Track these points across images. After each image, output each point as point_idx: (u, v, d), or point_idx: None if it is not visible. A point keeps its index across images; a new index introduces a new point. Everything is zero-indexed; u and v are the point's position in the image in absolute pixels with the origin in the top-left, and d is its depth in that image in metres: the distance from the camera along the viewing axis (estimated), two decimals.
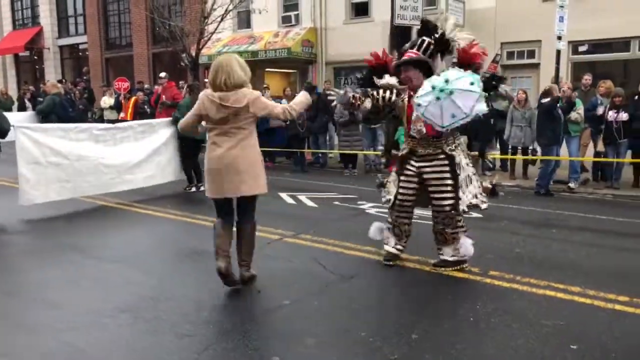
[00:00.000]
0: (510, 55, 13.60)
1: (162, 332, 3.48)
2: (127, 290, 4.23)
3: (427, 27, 4.66)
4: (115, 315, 3.72)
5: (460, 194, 4.52)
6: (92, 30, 23.11)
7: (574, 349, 3.20)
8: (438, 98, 4.10)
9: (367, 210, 7.36)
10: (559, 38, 10.33)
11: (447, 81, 4.08)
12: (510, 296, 4.13)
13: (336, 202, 7.95)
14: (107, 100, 15.28)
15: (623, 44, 12.19)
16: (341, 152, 11.48)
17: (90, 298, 4.07)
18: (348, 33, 15.80)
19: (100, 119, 15.04)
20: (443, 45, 4.53)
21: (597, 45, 12.53)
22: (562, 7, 10.14)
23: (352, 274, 4.63)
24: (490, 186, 4.75)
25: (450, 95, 4.06)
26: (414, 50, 4.62)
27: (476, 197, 4.58)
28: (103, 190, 7.63)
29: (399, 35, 11.37)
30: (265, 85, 13.35)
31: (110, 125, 8.35)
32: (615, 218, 6.99)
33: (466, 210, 4.58)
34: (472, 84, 4.07)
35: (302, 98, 4.34)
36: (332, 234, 5.87)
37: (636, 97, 8.93)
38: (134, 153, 7.99)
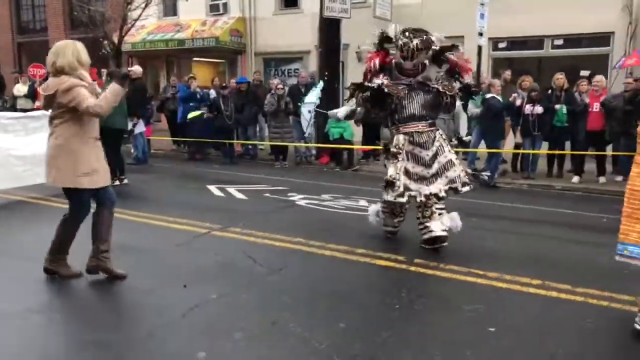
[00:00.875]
0: None
1: (78, 334, 3.31)
2: (40, 290, 3.99)
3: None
4: (26, 317, 3.50)
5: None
6: (2, 13, 21.52)
7: (491, 331, 3.37)
8: None
9: (297, 202, 7.37)
10: (480, 34, 10.77)
11: None
12: (434, 283, 4.28)
13: (266, 194, 7.90)
14: (20, 88, 14.34)
15: (538, 41, 12.91)
16: (271, 143, 11.42)
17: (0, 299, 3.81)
18: (278, 24, 15.70)
19: (13, 108, 14.06)
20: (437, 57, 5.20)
21: (515, 43, 13.19)
22: (482, 4, 10.57)
23: (282, 266, 4.62)
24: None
25: None
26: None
27: (454, 181, 5.15)
28: (15, 184, 7.14)
29: (328, 27, 11.40)
30: (191, 75, 12.98)
31: (21, 113, 7.83)
32: (531, 206, 7.42)
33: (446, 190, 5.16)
34: None
35: (109, 92, 3.90)
36: (262, 227, 5.82)
37: (549, 91, 9.50)
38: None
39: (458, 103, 6.87)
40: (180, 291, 3.96)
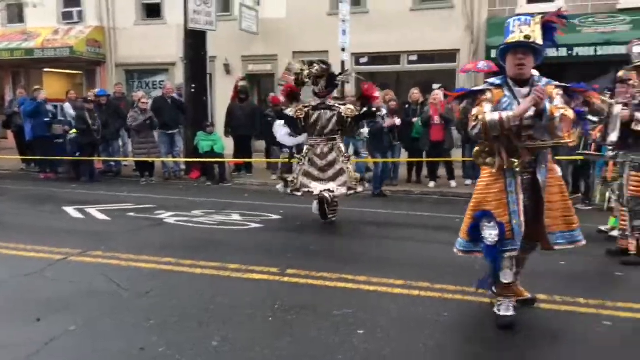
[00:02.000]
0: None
1: None
2: None
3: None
4: None
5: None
6: None
7: (360, 333, 3.50)
8: None
9: (165, 220, 7.09)
10: (343, 50, 11.27)
11: None
12: (306, 292, 4.35)
13: (131, 214, 7.49)
14: None
15: (395, 57, 13.84)
16: (137, 159, 10.87)
17: None
18: (140, 34, 15.06)
19: None
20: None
21: (376, 58, 14.00)
22: (344, 21, 11.08)
23: (149, 288, 4.39)
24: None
25: None
26: None
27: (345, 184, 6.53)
28: None
29: (193, 39, 11.18)
30: (36, 87, 11.88)
31: None
32: (393, 211, 7.88)
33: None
34: None
35: None
36: (126, 248, 5.50)
37: (407, 105, 10.22)
38: None
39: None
40: (32, 326, 3.59)
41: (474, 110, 3.51)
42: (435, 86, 12.02)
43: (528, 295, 3.91)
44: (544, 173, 3.54)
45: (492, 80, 3.62)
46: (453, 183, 9.90)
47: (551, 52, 11.50)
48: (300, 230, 6.65)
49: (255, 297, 4.22)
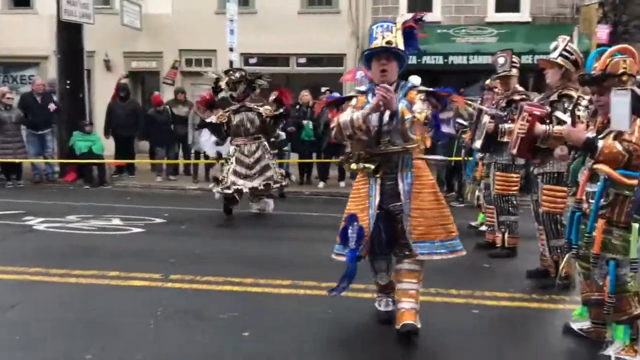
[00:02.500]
0: (189, 62, 14.00)
1: None
2: None
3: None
4: None
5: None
6: None
7: (245, 335, 3.47)
8: None
9: (35, 227, 6.53)
10: (231, 49, 11.12)
11: None
12: (190, 297, 4.22)
13: None
14: None
15: (285, 59, 13.94)
16: (2, 161, 9.86)
17: None
18: (6, 24, 13.69)
19: None
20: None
21: (266, 59, 13.99)
22: (232, 20, 10.95)
23: (15, 302, 4.02)
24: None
25: None
26: None
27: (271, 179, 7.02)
28: None
29: (68, 32, 10.39)
30: None
31: None
32: (284, 212, 7.89)
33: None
34: None
35: None
36: None
37: (297, 106, 10.33)
38: None
39: None
40: None
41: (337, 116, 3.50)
42: (323, 89, 12.27)
43: None
44: (409, 179, 3.41)
45: (361, 87, 3.64)
46: (342, 183, 10.18)
47: (429, 60, 12.32)
48: (185, 233, 6.46)
49: (135, 304, 4.02)
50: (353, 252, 3.46)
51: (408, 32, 3.44)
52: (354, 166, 3.44)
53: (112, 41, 13.31)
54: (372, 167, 3.35)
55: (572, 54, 4.28)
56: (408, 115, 3.18)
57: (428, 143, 3.52)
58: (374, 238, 3.43)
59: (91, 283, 4.50)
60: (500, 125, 5.30)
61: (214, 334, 3.50)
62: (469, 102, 3.54)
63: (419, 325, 3.37)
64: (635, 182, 2.91)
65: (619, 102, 3.00)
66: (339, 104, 3.62)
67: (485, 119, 5.37)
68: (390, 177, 3.40)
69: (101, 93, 12.73)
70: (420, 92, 3.36)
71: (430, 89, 3.42)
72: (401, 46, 3.37)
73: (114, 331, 3.54)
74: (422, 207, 3.40)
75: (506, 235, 5.49)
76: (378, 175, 3.36)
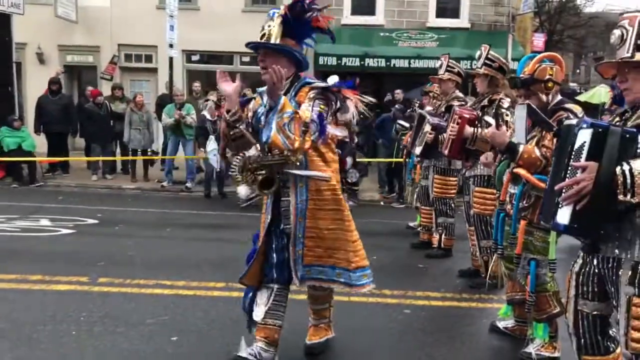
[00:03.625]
0: (128, 57, 13.56)
1: None
2: None
3: None
4: None
5: None
6: None
7: (174, 340, 3.38)
8: None
9: None
10: (171, 46, 10.84)
11: None
12: (118, 301, 4.07)
13: None
14: None
15: (229, 57, 13.73)
16: None
17: None
18: None
19: None
20: None
21: (210, 56, 13.73)
22: (172, 16, 10.66)
23: None
24: None
25: None
26: None
27: None
28: None
29: None
30: None
31: None
32: (223, 212, 7.78)
33: None
34: None
35: None
36: None
37: None
38: None
39: None
40: None
41: None
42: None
43: (319, 339, 3.29)
44: (303, 195, 2.88)
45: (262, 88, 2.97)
46: None
47: (372, 63, 12.47)
48: (117, 235, 6.22)
49: (58, 310, 3.83)
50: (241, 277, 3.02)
51: (298, 20, 2.82)
52: (238, 177, 2.93)
53: (46, 33, 12.70)
54: (250, 178, 2.88)
55: (494, 62, 4.44)
56: (288, 110, 2.60)
57: (302, 146, 2.70)
58: (264, 262, 2.97)
59: (11, 287, 4.26)
60: (440, 136, 5.33)
61: (140, 340, 3.38)
62: (362, 98, 3.11)
63: (330, 336, 3.28)
64: None
65: (518, 116, 3.15)
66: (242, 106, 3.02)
67: (427, 128, 5.38)
68: (285, 193, 2.89)
69: (34, 87, 12.12)
70: (312, 88, 2.80)
71: (322, 84, 2.85)
72: (275, 39, 2.77)
73: (34, 339, 3.36)
74: (320, 227, 2.89)
75: (443, 236, 5.61)
76: (267, 191, 2.87)
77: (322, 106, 2.77)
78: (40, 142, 10.10)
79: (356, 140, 7.71)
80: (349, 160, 7.48)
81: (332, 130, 2.89)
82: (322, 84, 2.87)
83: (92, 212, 7.17)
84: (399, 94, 9.78)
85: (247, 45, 2.92)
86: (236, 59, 13.69)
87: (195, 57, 13.55)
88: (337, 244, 2.94)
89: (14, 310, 3.82)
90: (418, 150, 5.61)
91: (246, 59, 13.69)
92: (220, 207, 8.14)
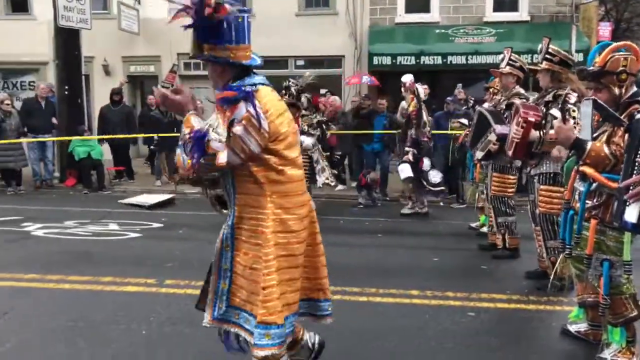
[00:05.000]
0: (187, 66, 14.00)
1: None
2: None
3: None
4: None
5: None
6: None
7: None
8: None
9: (33, 233, 6.51)
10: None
11: None
12: (184, 302, 4.18)
13: None
14: None
15: (284, 61, 13.88)
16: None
17: None
18: (5, 30, 13.71)
19: None
20: None
21: (265, 62, 13.32)
22: None
23: (7, 309, 4.00)
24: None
25: None
26: None
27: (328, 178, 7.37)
28: None
29: (66, 38, 10.40)
30: None
31: None
32: None
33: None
34: None
35: None
36: None
37: None
38: None
39: None
40: None
41: None
42: (323, 91, 12.25)
43: None
44: (230, 220, 2.49)
45: None
46: (340, 186, 10.15)
47: (428, 60, 12.29)
48: (182, 238, 6.43)
49: (129, 311, 3.99)
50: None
51: (202, 21, 2.33)
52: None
53: (111, 46, 13.33)
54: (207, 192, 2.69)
55: (555, 55, 4.25)
56: (185, 129, 2.39)
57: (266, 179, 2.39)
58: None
59: (85, 289, 4.48)
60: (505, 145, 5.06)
61: (207, 340, 3.46)
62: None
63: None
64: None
65: (584, 112, 2.97)
66: None
67: (492, 137, 5.05)
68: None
69: (100, 98, 12.73)
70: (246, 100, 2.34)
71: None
72: (194, 49, 2.44)
73: (107, 338, 3.51)
74: (241, 263, 2.46)
75: (506, 236, 5.43)
76: (218, 210, 2.66)
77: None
78: (107, 151, 10.60)
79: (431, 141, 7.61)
80: (426, 161, 7.53)
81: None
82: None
83: (157, 217, 7.44)
84: (461, 92, 9.56)
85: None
86: (291, 63, 13.85)
87: None
88: (252, 287, 2.43)
89: (88, 310, 4.02)
90: (479, 155, 5.42)
91: (300, 62, 13.84)
92: None
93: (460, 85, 9.77)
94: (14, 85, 14.20)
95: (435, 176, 7.52)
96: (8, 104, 9.58)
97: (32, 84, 13.71)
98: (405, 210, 7.87)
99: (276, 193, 2.40)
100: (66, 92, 10.37)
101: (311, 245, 2.56)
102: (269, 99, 2.41)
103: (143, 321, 3.76)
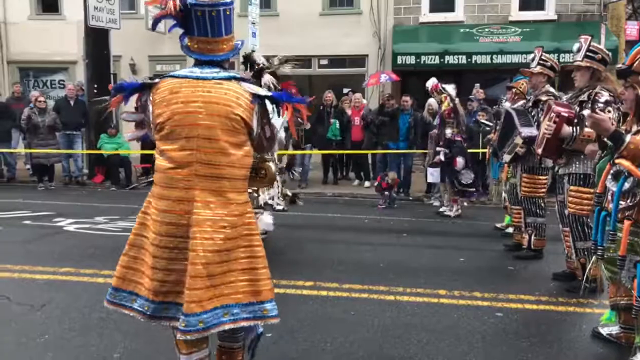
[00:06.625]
0: None
1: None
2: None
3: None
4: None
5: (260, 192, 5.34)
6: None
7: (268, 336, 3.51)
8: None
9: (65, 228, 6.68)
10: (253, 52, 11.14)
11: None
12: None
13: (26, 222, 6.98)
14: None
15: (307, 61, 13.91)
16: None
17: None
18: (36, 30, 14.05)
19: None
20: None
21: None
22: (253, 23, 11.03)
23: (45, 301, 4.12)
24: (290, 195, 5.94)
25: None
26: None
27: (272, 199, 5.54)
28: None
29: (95, 37, 10.62)
30: None
31: None
32: (303, 213, 7.90)
33: (262, 205, 5.38)
34: None
35: None
36: (20, 259, 5.12)
37: (321, 107, 10.38)
38: None
39: None
40: None
41: None
42: (346, 90, 12.28)
43: None
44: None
45: None
46: (367, 183, 10.21)
47: (452, 60, 12.23)
48: None
49: None
50: None
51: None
52: None
53: (138, 45, 13.55)
54: None
55: (597, 53, 4.20)
56: None
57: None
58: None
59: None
60: (532, 147, 4.96)
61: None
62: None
63: None
64: None
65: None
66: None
67: (518, 140, 5.08)
68: None
69: None
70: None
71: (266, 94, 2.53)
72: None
73: (140, 331, 3.60)
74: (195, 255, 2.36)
75: (533, 237, 5.39)
76: None
77: None
78: (136, 148, 10.79)
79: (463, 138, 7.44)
80: (459, 160, 7.34)
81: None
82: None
83: None
84: (480, 92, 9.51)
85: None
86: (314, 62, 13.91)
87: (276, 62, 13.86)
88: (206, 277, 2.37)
89: (65, 310, 4.01)
90: (507, 157, 5.38)
91: (324, 61, 13.89)
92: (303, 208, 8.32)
93: (478, 85, 9.73)
94: (44, 83, 14.53)
95: (467, 177, 7.34)
96: (40, 101, 9.83)
97: (62, 82, 14.04)
98: (448, 212, 7.69)
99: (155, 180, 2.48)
100: (95, 91, 10.59)
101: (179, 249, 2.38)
102: (163, 89, 2.48)
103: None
